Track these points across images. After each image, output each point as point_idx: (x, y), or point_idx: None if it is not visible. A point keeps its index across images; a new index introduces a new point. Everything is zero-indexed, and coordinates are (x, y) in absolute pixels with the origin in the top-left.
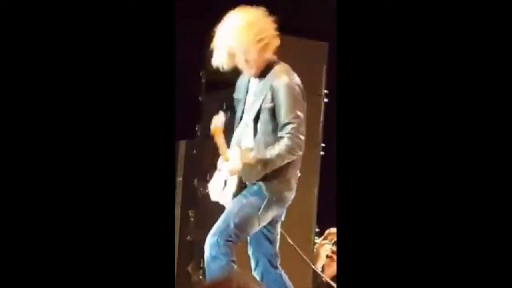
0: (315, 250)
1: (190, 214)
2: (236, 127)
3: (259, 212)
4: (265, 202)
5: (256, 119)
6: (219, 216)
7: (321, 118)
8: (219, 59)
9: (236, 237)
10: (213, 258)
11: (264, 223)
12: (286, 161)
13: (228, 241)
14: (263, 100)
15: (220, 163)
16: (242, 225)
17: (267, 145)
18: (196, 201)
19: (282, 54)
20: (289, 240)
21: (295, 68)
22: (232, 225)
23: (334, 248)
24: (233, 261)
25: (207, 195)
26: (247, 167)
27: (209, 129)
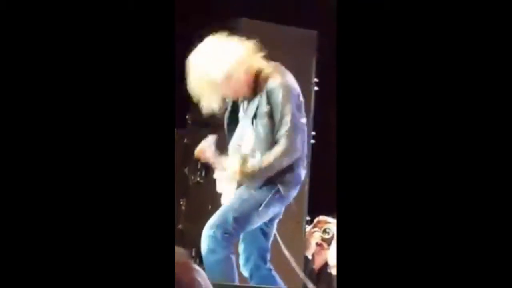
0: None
1: (181, 202)
2: (231, 139)
3: (260, 209)
4: (267, 199)
5: (253, 122)
6: (210, 205)
7: (312, 107)
8: (211, 103)
9: (234, 231)
10: (211, 251)
11: (264, 219)
12: (285, 164)
13: (226, 234)
14: (259, 103)
15: (217, 173)
16: (240, 221)
17: (270, 147)
18: (187, 190)
19: (273, 43)
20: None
21: (285, 57)
22: (230, 220)
23: (324, 236)
24: (232, 254)
25: (198, 184)
26: (246, 177)
27: (200, 116)
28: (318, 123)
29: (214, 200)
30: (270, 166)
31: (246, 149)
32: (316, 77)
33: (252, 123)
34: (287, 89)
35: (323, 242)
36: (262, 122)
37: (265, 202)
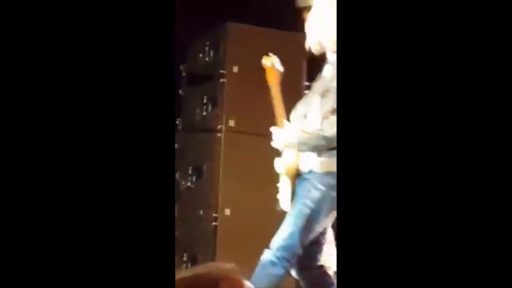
0: None
1: None
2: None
3: (319, 218)
4: (327, 206)
5: (323, 96)
6: (201, 209)
7: None
8: (309, 43)
9: (302, 249)
10: (272, 263)
11: (329, 221)
12: (320, 144)
13: (293, 258)
14: (332, 78)
15: (274, 129)
16: (306, 237)
17: (330, 123)
18: (179, 195)
19: (263, 46)
20: None
21: None
22: (298, 245)
23: None
24: (288, 273)
25: (188, 189)
26: (303, 140)
27: (190, 122)
28: None
29: (205, 205)
30: (327, 138)
31: (310, 118)
32: (307, 80)
33: (321, 96)
34: None
35: None
36: (330, 96)
37: (326, 210)
